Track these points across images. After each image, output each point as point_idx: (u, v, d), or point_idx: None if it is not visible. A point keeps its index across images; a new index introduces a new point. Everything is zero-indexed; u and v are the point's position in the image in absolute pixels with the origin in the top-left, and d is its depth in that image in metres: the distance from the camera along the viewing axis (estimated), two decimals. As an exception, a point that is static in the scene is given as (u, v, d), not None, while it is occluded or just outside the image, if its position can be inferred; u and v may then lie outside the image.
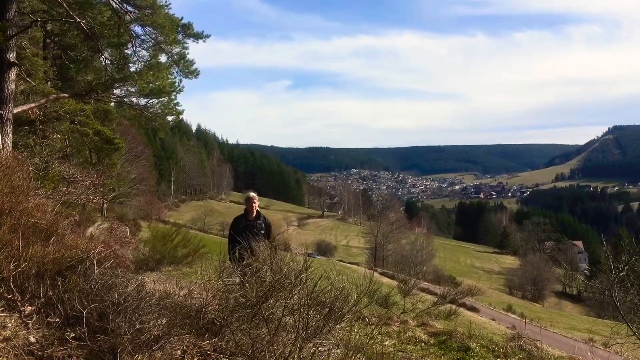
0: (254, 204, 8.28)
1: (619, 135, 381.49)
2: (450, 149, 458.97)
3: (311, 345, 4.32)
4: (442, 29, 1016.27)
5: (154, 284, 6.10)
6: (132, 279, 4.75)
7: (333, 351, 4.43)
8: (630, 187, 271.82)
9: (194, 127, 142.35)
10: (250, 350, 4.12)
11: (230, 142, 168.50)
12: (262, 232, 8.03)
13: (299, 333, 4.23)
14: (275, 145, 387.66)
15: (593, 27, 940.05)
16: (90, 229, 16.78)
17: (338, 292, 4.82)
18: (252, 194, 8.42)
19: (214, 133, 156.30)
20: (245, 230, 7.61)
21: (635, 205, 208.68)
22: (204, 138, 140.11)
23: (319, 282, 4.62)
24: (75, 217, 13.88)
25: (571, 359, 7.81)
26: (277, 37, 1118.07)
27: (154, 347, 3.90)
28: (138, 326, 3.95)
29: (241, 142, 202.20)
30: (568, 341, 24.16)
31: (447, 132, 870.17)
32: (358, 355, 4.55)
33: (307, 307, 4.28)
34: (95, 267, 4.81)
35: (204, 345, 4.18)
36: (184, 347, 4.09)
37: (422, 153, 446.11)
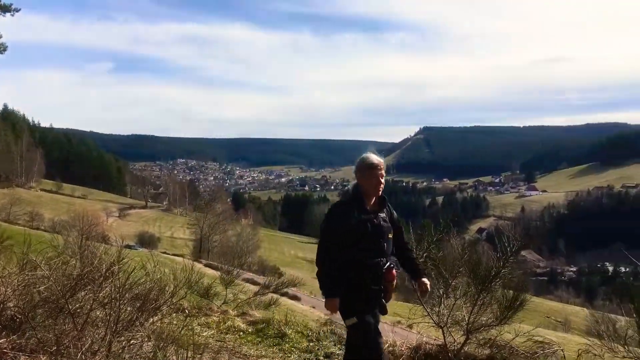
0: (381, 178, 4.16)
1: (428, 135, 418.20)
2: (278, 142, 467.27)
3: (123, 339, 4.22)
4: (271, 24, 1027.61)
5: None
6: None
7: (146, 343, 4.37)
8: (437, 183, 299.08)
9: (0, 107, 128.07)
10: (54, 347, 3.92)
11: (42, 125, 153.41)
12: (390, 234, 4.17)
13: (109, 327, 4.11)
14: (96, 131, 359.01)
15: (406, 34, 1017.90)
16: None
17: (153, 284, 4.76)
18: (374, 157, 4.17)
19: (24, 115, 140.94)
20: (364, 230, 4.03)
21: (440, 199, 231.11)
22: (11, 119, 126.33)
23: (133, 273, 4.51)
24: None
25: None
26: (97, 15, 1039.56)
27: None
28: None
29: (56, 125, 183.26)
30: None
31: (275, 126, 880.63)
32: (172, 346, 4.53)
33: (119, 300, 4.17)
34: None
35: (0, 343, 3.90)
36: (-24, 348, 3.76)
37: (250, 145, 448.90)
